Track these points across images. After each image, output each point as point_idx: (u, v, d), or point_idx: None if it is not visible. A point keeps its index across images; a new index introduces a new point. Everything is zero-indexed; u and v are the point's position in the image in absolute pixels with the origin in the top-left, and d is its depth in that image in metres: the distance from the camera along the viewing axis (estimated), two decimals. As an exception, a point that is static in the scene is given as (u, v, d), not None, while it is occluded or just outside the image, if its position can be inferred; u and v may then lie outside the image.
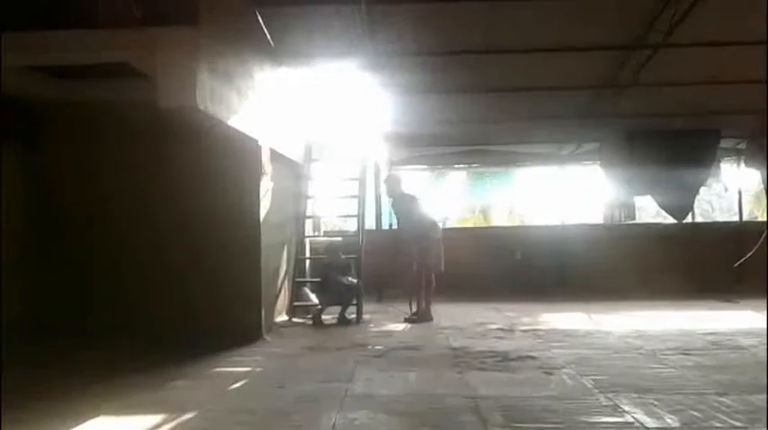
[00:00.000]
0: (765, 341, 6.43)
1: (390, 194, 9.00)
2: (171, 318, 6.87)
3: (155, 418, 4.08)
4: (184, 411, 4.25)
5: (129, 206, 7.24)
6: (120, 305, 7.05)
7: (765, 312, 7.69)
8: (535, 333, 7.30)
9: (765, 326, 6.97)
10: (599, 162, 11.92)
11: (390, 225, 11.66)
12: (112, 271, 7.15)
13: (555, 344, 6.57)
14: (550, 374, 5.21)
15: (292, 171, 9.03)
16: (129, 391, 4.79)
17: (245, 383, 5.19)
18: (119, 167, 7.27)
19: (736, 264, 10.47)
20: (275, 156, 7.68)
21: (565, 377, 5.10)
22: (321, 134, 9.83)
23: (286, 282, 8.77)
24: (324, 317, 8.27)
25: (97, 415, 4.15)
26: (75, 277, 7.17)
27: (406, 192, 8.91)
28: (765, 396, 4.36)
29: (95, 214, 7.22)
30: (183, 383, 5.12)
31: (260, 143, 7.09)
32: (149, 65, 5.11)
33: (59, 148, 7.32)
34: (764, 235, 10.51)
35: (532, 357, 5.90)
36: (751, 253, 10.37)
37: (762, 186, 11.18)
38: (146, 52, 5.07)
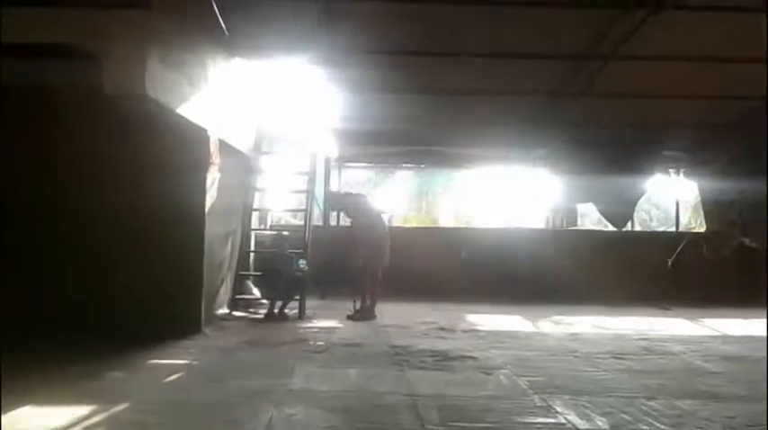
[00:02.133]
0: (696, 348, 6.70)
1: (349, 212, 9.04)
2: (109, 308, 6.66)
3: (86, 409, 3.99)
4: (118, 402, 4.17)
5: (69, 194, 6.89)
6: (58, 295, 6.80)
7: (766, 317, 7.92)
8: (476, 333, 7.41)
9: (763, 328, 7.21)
10: (545, 167, 12.14)
11: (338, 220, 11.68)
12: (50, 260, 6.88)
13: (495, 344, 6.68)
14: (489, 374, 5.30)
15: (241, 163, 8.91)
16: (62, 381, 4.66)
17: (181, 376, 5.12)
18: (60, 154, 6.92)
19: (669, 262, 10.87)
20: (224, 147, 7.57)
21: (502, 377, 5.20)
22: (272, 127, 9.74)
23: (229, 274, 8.66)
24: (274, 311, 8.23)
25: (26, 404, 4.02)
26: (10, 268, 6.88)
27: (352, 191, 8.94)
28: (695, 401, 4.54)
29: (33, 203, 6.87)
30: (118, 374, 5.01)
31: (209, 133, 6.98)
32: (97, 48, 4.97)
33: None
34: (685, 240, 11.04)
35: (472, 357, 5.99)
36: (678, 251, 10.82)
37: (699, 198, 11.59)
38: (94, 34, 4.93)
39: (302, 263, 8.56)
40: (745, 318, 9.09)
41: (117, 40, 4.99)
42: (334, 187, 11.89)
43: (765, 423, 4.10)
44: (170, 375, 5.08)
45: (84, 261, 6.83)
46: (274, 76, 9.06)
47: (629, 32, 7.29)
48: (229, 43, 7.42)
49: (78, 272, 6.81)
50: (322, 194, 11.41)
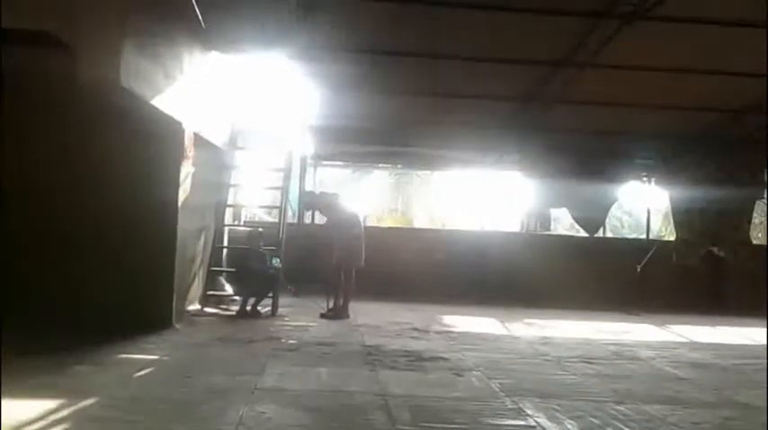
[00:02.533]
0: (664, 354, 6.79)
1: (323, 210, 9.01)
2: (77, 301, 6.54)
3: (52, 403, 3.90)
4: (85, 397, 4.09)
5: (37, 186, 6.69)
6: (27, 287, 6.64)
7: (766, 323, 8.06)
8: (449, 335, 7.43)
9: (730, 336, 7.32)
10: (520, 171, 12.22)
11: (312, 219, 11.64)
12: (18, 251, 6.71)
13: (467, 346, 6.70)
14: (460, 376, 5.31)
15: (216, 157, 8.83)
16: (29, 374, 4.55)
17: (150, 371, 5.04)
18: (28, 144, 6.71)
19: (638, 268, 11.03)
20: (199, 140, 7.49)
21: (473, 379, 5.21)
22: (248, 122, 9.67)
23: (201, 270, 8.57)
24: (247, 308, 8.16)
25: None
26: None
27: (327, 191, 8.92)
28: (663, 406, 4.60)
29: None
30: (86, 369, 4.91)
31: (183, 126, 6.89)
32: (71, 35, 4.86)
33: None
34: (654, 247, 11.23)
35: (444, 358, 5.99)
36: (647, 258, 10.97)
37: (669, 206, 11.77)
38: (68, 21, 4.82)
39: (276, 261, 8.50)
40: (713, 325, 9.27)
41: (91, 27, 4.90)
42: (309, 185, 11.84)
43: (731, 429, 4.18)
44: (139, 370, 5.00)
45: (54, 254, 6.68)
46: (251, 71, 9.00)
47: (604, 42, 7.39)
48: (206, 36, 7.35)
49: (47, 264, 6.66)
50: (297, 193, 11.35)
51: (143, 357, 5.45)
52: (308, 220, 11.77)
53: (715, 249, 11.08)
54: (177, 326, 6.89)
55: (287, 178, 9.57)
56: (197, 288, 8.47)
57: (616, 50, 7.50)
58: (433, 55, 8.14)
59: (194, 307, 8.28)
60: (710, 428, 4.16)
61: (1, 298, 6.21)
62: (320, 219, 10.42)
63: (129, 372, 4.92)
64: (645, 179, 11.89)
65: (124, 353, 5.56)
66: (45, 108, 6.67)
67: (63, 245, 6.69)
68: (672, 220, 12.05)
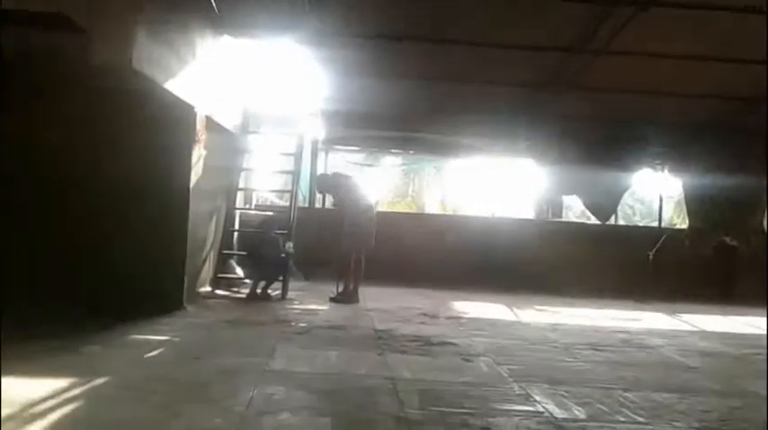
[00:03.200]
0: (674, 343, 6.78)
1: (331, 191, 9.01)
2: (90, 282, 6.60)
3: (64, 382, 3.95)
4: (97, 376, 4.13)
5: (49, 168, 6.74)
6: (39, 267, 6.71)
7: (766, 315, 8.05)
8: (458, 320, 7.44)
9: (741, 326, 7.30)
10: (531, 158, 12.16)
11: (323, 203, 11.66)
12: (32, 232, 6.78)
13: (476, 332, 6.71)
14: (469, 361, 5.33)
15: (228, 141, 8.85)
16: (41, 354, 4.62)
17: (162, 352, 5.09)
18: (41, 126, 6.72)
19: (649, 256, 10.98)
20: (211, 124, 7.51)
21: (482, 365, 5.23)
22: (259, 106, 9.67)
23: (212, 252, 8.62)
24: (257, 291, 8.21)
25: (4, 376, 3.97)
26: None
27: (341, 172, 8.91)
28: (671, 394, 4.60)
29: (14, 174, 6.65)
30: (98, 349, 4.97)
31: (196, 110, 6.91)
32: (84, 17, 4.87)
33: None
34: (664, 236, 11.17)
35: (453, 344, 6.01)
36: (658, 245, 10.92)
37: (683, 194, 11.69)
38: (83, 3, 4.82)
39: (288, 245, 8.53)
40: (724, 314, 9.24)
41: (105, 10, 4.90)
42: (320, 169, 11.83)
43: (739, 418, 4.17)
44: (151, 351, 5.05)
45: (66, 235, 6.74)
46: (263, 55, 8.98)
47: (618, 28, 7.29)
48: (218, 21, 7.34)
49: (59, 246, 6.73)
50: (307, 177, 11.36)
51: (154, 338, 5.50)
52: (319, 205, 11.79)
53: (728, 238, 11.02)
54: (188, 307, 6.95)
55: (298, 162, 9.58)
56: (208, 270, 8.53)
57: (630, 37, 7.41)
58: (445, 40, 8.08)
59: (205, 289, 8.35)
60: (719, 417, 4.15)
61: (12, 283, 6.29)
62: (331, 202, 10.41)
63: (140, 353, 4.98)
64: (658, 166, 11.80)
65: (136, 334, 5.62)
66: (57, 90, 6.70)
67: (75, 227, 6.75)
68: (685, 209, 11.98)
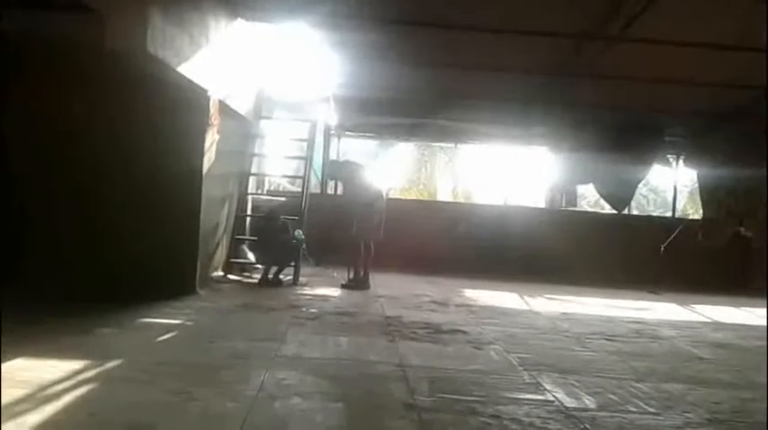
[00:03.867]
0: (686, 333, 6.75)
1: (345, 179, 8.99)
2: (104, 265, 6.63)
3: (77, 364, 3.99)
4: (110, 359, 4.17)
5: (63, 153, 6.73)
6: (54, 250, 6.75)
7: (766, 307, 8.03)
8: (469, 308, 7.44)
9: (754, 317, 7.25)
10: (546, 146, 12.10)
11: (335, 189, 11.67)
12: (48, 215, 6.80)
13: (486, 320, 6.71)
14: (479, 349, 5.33)
15: (240, 126, 8.85)
16: (55, 335, 4.67)
17: (174, 335, 5.13)
18: (54, 111, 6.65)
19: (662, 247, 10.92)
20: (224, 109, 7.51)
21: (492, 353, 5.23)
22: (272, 91, 9.66)
23: (224, 237, 8.65)
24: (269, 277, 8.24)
25: (18, 357, 4.03)
26: (8, 221, 6.79)
27: (352, 160, 8.90)
28: (682, 385, 4.58)
29: (30, 157, 6.71)
30: (111, 331, 5.02)
31: (209, 94, 6.90)
32: (100, 1, 4.86)
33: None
34: (681, 225, 11.08)
35: (463, 331, 6.01)
36: (672, 237, 10.84)
37: (697, 185, 11.61)
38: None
39: (299, 232, 8.54)
40: (736, 306, 9.19)
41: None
42: (333, 156, 11.84)
43: (750, 410, 4.15)
44: (163, 334, 5.09)
45: (81, 220, 6.76)
46: (276, 40, 8.95)
47: (635, 15, 7.20)
48: (232, 4, 7.31)
49: (74, 230, 6.74)
50: (320, 162, 11.36)
51: (167, 321, 5.54)
52: (331, 191, 11.80)
53: (742, 229, 10.93)
54: (200, 292, 6.99)
55: (310, 148, 9.58)
56: (220, 255, 8.57)
57: (647, 24, 7.31)
58: (460, 26, 8.01)
59: (217, 273, 8.39)
60: (730, 408, 4.13)
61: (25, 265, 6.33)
62: (341, 190, 10.42)
63: (153, 336, 5.02)
64: (673, 157, 11.70)
65: (149, 318, 5.67)
66: (71, 74, 6.68)
67: (89, 211, 6.77)
68: (699, 199, 11.89)
